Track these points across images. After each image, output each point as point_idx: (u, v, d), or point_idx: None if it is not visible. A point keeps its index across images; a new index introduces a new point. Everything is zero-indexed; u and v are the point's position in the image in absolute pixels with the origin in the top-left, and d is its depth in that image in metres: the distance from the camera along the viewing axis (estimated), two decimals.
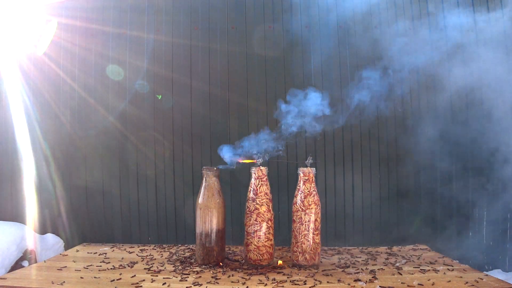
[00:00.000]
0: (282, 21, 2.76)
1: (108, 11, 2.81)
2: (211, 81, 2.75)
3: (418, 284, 1.42)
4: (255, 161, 1.81)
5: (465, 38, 2.70)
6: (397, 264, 1.71)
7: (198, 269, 1.66)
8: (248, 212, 1.73)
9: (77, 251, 2.00)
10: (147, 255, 1.89)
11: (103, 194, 2.75)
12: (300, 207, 1.71)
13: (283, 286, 1.42)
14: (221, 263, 1.74)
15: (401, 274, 1.56)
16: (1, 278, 1.50)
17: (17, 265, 2.32)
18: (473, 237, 2.65)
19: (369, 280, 1.48)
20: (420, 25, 2.74)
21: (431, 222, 2.65)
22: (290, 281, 1.48)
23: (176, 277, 1.53)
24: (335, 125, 2.64)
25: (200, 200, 1.76)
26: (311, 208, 1.70)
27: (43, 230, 2.72)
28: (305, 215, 1.70)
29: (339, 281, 1.48)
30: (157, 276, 1.56)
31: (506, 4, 2.70)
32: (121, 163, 2.75)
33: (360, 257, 1.85)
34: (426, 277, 1.51)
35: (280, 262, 1.74)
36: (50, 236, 2.68)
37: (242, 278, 1.53)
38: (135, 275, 1.55)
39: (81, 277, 1.52)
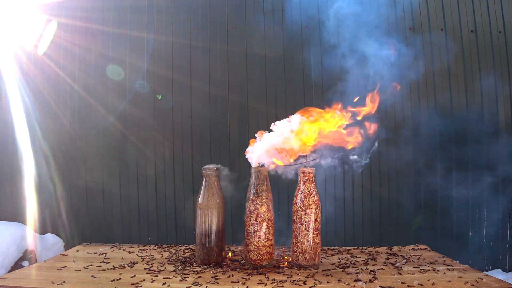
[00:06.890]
0: (282, 21, 2.76)
1: (108, 11, 2.82)
2: (211, 81, 2.75)
3: (418, 284, 1.42)
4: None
5: None
6: (397, 264, 1.71)
7: (198, 269, 1.65)
8: (248, 212, 1.73)
9: (77, 251, 1.99)
10: (147, 255, 1.89)
11: (103, 194, 2.75)
12: (300, 207, 1.71)
13: (283, 286, 1.42)
14: (220, 264, 1.74)
15: (401, 274, 1.56)
16: (1, 278, 1.50)
17: (17, 265, 2.33)
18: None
19: (369, 280, 1.47)
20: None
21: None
22: (290, 281, 1.48)
23: (176, 277, 1.53)
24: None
25: (200, 200, 1.75)
26: (311, 208, 1.70)
27: (43, 230, 2.72)
28: (305, 215, 1.70)
29: (339, 281, 1.48)
30: (157, 276, 1.55)
31: None
32: (121, 163, 2.75)
33: (360, 257, 1.85)
34: (426, 277, 1.51)
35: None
36: (50, 236, 2.68)
37: (242, 278, 1.53)
38: (135, 275, 1.55)
39: (81, 277, 1.52)
